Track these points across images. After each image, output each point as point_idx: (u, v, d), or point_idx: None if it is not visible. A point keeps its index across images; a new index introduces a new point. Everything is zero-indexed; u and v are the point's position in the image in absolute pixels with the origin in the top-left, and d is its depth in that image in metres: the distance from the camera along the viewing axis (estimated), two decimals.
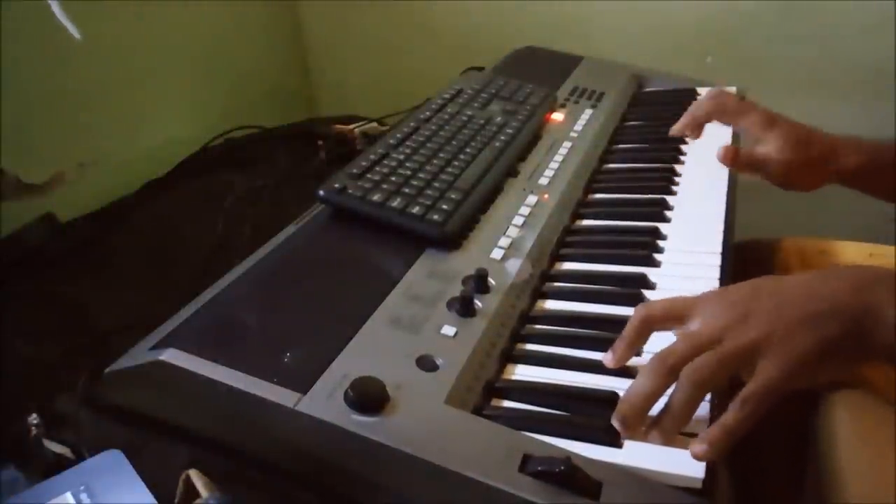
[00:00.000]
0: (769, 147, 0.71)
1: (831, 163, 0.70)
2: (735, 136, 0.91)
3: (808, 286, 0.48)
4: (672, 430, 0.45)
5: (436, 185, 0.67)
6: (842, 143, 0.72)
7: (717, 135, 0.86)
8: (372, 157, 0.70)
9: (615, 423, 0.46)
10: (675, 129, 0.78)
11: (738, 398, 0.44)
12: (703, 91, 1.02)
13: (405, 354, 0.50)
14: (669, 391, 0.46)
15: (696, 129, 0.78)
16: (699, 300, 0.49)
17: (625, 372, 0.51)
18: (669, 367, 0.46)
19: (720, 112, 0.75)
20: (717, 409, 0.46)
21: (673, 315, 0.49)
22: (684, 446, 0.44)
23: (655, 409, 0.46)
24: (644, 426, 0.46)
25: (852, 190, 0.76)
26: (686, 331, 0.48)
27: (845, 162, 0.70)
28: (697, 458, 0.43)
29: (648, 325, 0.50)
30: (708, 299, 0.49)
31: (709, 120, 0.76)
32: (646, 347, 0.52)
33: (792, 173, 0.71)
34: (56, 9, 0.75)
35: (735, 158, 0.71)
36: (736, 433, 0.43)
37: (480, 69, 1.05)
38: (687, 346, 0.46)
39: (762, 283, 0.49)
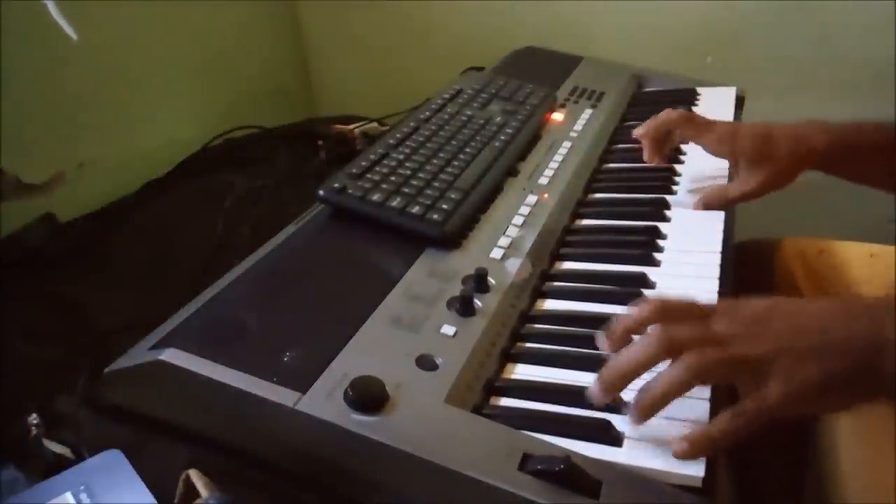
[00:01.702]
0: (741, 161, 0.71)
1: (799, 148, 0.70)
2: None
3: (825, 316, 0.46)
4: (649, 407, 0.44)
5: (436, 184, 0.67)
6: (805, 127, 0.71)
7: None
8: (372, 157, 0.70)
9: (595, 383, 0.45)
10: (637, 132, 0.77)
11: (731, 410, 0.44)
12: (703, 91, 1.02)
13: (405, 354, 0.50)
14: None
15: (656, 145, 0.77)
16: (715, 308, 0.48)
17: None
18: (672, 345, 0.44)
19: (684, 123, 0.75)
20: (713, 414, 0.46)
21: (688, 313, 0.48)
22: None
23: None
24: (621, 395, 0.45)
25: (851, 190, 0.76)
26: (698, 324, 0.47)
27: (814, 144, 0.69)
28: (675, 454, 0.43)
29: (661, 315, 0.47)
30: (723, 309, 0.48)
31: (669, 127, 0.75)
32: None
33: (767, 186, 0.70)
34: (52, 9, 0.75)
35: (706, 204, 0.71)
36: (718, 443, 0.43)
37: (480, 69, 1.05)
38: (695, 334, 0.45)
39: (779, 304, 0.47)
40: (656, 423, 0.45)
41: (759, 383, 0.44)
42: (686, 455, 0.43)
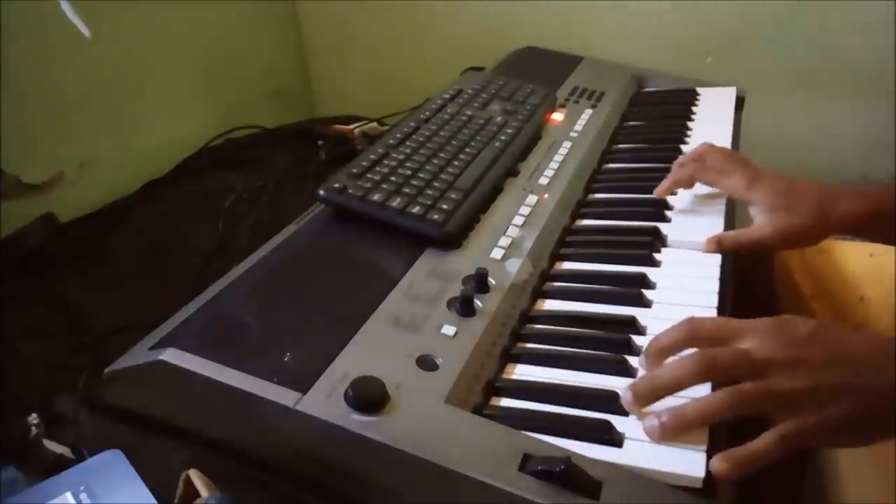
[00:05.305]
0: (754, 210, 0.67)
1: (827, 216, 0.64)
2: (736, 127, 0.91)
3: (865, 351, 0.46)
4: (674, 429, 0.44)
5: (436, 184, 0.67)
6: (835, 195, 0.65)
7: (718, 132, 0.86)
8: (372, 157, 0.70)
9: (625, 393, 0.46)
10: (659, 192, 0.74)
11: (776, 433, 0.44)
12: (702, 91, 1.02)
13: (405, 354, 0.50)
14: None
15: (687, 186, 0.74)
16: (751, 325, 0.48)
17: (626, 372, 0.51)
18: (710, 370, 0.45)
19: (702, 173, 0.72)
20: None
21: (722, 334, 0.48)
22: (684, 445, 0.44)
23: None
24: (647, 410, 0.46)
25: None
26: (735, 346, 0.47)
27: (844, 212, 0.64)
28: (717, 472, 0.43)
29: (693, 340, 0.48)
30: (763, 327, 0.47)
31: (692, 183, 0.73)
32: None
33: (785, 241, 0.66)
34: (66, 8, 0.74)
35: (721, 246, 0.65)
36: (760, 462, 0.43)
37: (480, 69, 1.05)
38: (733, 359, 0.45)
39: (821, 331, 0.47)
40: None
41: (794, 412, 0.44)
42: (729, 474, 0.43)
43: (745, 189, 0.68)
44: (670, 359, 0.48)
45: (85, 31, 0.75)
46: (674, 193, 0.75)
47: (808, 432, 0.44)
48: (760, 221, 0.66)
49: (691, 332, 0.48)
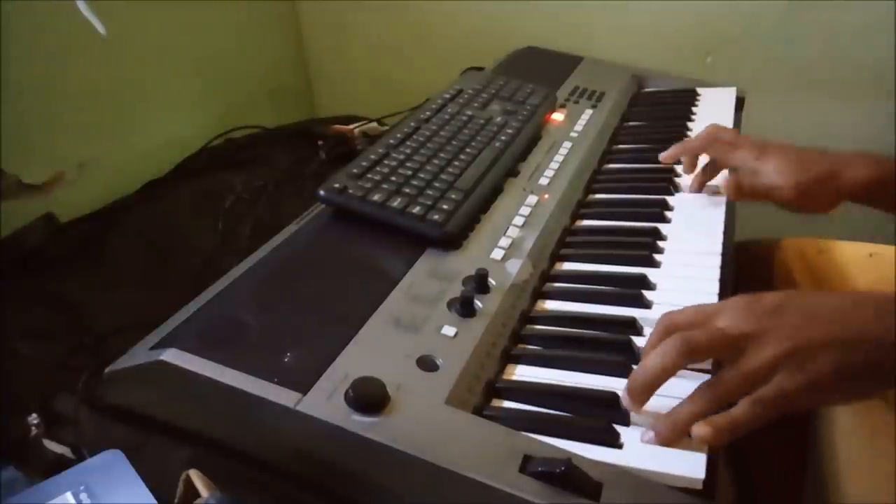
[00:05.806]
0: (767, 175, 0.69)
1: (836, 180, 0.67)
2: (736, 127, 0.92)
3: (837, 308, 0.47)
4: (671, 436, 0.45)
5: (436, 185, 0.67)
6: (845, 159, 0.67)
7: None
8: (372, 157, 0.70)
9: (623, 395, 0.47)
10: (664, 156, 0.78)
11: (752, 397, 0.44)
12: (702, 91, 1.03)
13: (405, 354, 0.50)
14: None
15: (690, 162, 0.78)
16: (724, 305, 0.49)
17: (626, 373, 0.51)
18: (688, 350, 0.46)
19: (712, 144, 0.74)
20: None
21: (697, 320, 0.48)
22: (684, 447, 0.44)
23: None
24: (648, 405, 0.47)
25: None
26: (710, 325, 0.48)
27: (852, 177, 0.66)
28: (699, 437, 0.44)
29: (673, 329, 0.49)
30: (733, 305, 0.48)
31: (702, 152, 0.76)
32: None
33: (800, 194, 0.68)
34: (82, 6, 0.75)
35: (739, 190, 0.69)
36: (741, 428, 0.44)
37: (480, 69, 1.05)
38: (709, 337, 0.46)
39: (790, 298, 0.48)
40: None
41: (776, 376, 0.44)
42: (710, 439, 0.44)
43: (754, 160, 0.69)
44: None
45: (101, 28, 0.75)
46: (678, 163, 0.78)
47: (791, 395, 0.44)
48: (774, 176, 0.68)
49: (668, 327, 0.49)
